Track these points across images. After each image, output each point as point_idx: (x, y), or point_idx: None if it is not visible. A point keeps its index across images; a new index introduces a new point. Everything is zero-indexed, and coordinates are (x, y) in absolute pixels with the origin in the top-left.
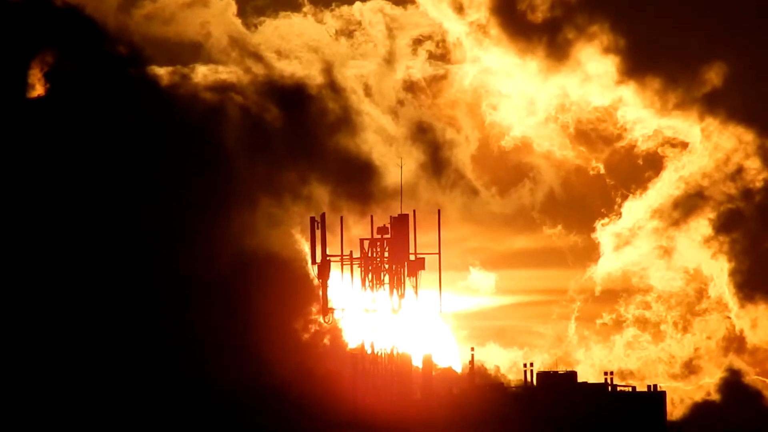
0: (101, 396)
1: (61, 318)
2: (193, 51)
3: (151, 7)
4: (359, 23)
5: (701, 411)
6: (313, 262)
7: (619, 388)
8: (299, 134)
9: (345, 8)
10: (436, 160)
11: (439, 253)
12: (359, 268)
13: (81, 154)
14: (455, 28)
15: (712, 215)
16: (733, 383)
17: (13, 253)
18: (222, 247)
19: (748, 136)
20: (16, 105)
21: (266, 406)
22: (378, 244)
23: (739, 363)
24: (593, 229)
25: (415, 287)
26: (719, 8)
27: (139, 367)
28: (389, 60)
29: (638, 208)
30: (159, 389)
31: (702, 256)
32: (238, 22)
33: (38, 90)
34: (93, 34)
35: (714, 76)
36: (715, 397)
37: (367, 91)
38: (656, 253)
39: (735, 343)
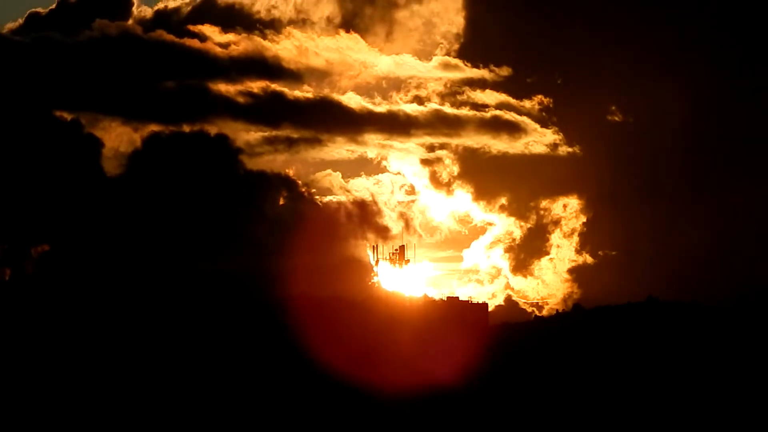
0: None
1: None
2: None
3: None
4: (381, 182)
5: (498, 310)
6: (374, 260)
7: (473, 302)
8: (368, 222)
9: (378, 176)
10: (409, 227)
11: (415, 258)
12: (389, 262)
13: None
14: (417, 182)
15: (504, 245)
16: (509, 300)
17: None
18: (334, 258)
19: (510, 221)
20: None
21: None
22: (394, 254)
23: (509, 294)
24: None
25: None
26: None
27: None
28: (393, 193)
29: (478, 245)
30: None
31: (501, 260)
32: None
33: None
34: (295, 187)
35: (503, 199)
36: (502, 303)
37: (385, 207)
38: (484, 259)
39: (508, 287)
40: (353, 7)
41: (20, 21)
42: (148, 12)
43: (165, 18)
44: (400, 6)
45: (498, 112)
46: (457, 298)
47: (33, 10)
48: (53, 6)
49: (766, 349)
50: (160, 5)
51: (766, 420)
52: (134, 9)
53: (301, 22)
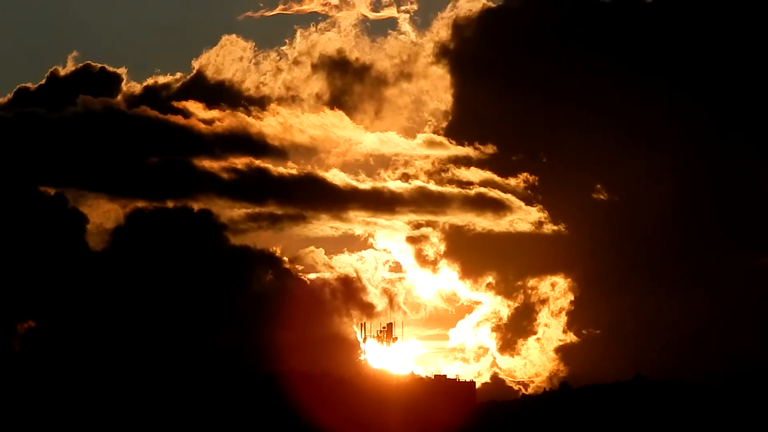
0: None
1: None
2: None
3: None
4: (363, 258)
5: (485, 388)
6: (362, 338)
7: (460, 379)
8: (353, 298)
9: (361, 252)
10: (392, 304)
11: (403, 336)
12: (376, 339)
13: None
14: (403, 259)
15: (491, 324)
16: (495, 378)
17: None
18: (320, 335)
19: (497, 300)
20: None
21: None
22: (381, 332)
23: (496, 371)
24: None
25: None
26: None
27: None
28: (377, 269)
29: (465, 324)
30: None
31: (488, 339)
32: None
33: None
34: (279, 264)
35: (490, 277)
36: (488, 381)
37: (369, 284)
38: (471, 337)
39: (494, 364)
40: (342, 85)
41: (9, 96)
42: (137, 88)
43: (154, 94)
44: (390, 84)
45: (482, 190)
46: (445, 376)
47: (22, 85)
48: (43, 81)
49: (753, 427)
50: (150, 81)
51: None
52: (123, 85)
53: (290, 99)
